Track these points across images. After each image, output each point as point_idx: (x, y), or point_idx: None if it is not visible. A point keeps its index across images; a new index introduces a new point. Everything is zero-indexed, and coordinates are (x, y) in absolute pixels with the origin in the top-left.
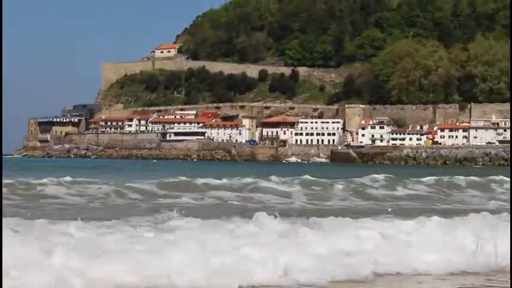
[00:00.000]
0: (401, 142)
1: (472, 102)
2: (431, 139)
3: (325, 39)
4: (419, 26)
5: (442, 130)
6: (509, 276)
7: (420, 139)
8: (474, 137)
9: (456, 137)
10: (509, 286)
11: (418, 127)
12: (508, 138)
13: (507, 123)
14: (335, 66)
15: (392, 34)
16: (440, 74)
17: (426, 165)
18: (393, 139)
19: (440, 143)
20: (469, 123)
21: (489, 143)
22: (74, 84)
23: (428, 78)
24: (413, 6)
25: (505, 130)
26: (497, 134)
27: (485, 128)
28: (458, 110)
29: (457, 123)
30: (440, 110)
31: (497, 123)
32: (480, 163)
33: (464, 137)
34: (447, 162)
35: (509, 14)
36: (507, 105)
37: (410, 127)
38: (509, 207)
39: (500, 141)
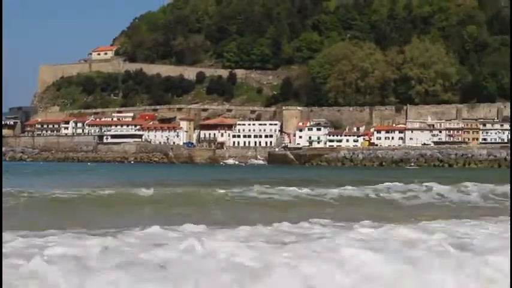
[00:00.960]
0: (338, 144)
1: (408, 104)
2: (367, 140)
3: (263, 41)
4: (356, 29)
5: (379, 132)
6: None
7: (357, 141)
8: (410, 139)
9: (392, 138)
10: None
11: (355, 129)
12: (443, 139)
13: (442, 124)
14: (273, 68)
15: (329, 37)
16: (377, 76)
17: (363, 167)
18: (330, 141)
19: (377, 145)
20: (405, 124)
21: (424, 144)
22: (9, 86)
23: (365, 80)
24: (350, 9)
25: (440, 131)
26: (432, 135)
27: (420, 129)
28: (394, 111)
29: (393, 125)
30: (377, 112)
31: (433, 125)
32: (413, 164)
33: (400, 138)
34: (383, 163)
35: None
36: (442, 107)
37: (347, 129)
38: None
39: (436, 143)
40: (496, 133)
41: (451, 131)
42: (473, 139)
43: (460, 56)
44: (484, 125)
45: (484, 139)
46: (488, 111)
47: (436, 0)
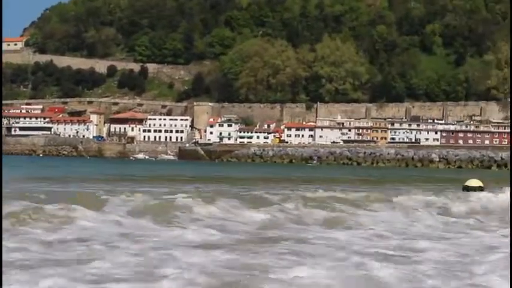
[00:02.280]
0: (248, 140)
1: (318, 102)
2: (278, 138)
3: (175, 36)
4: (269, 26)
5: (289, 129)
6: None
7: (267, 137)
8: (320, 136)
9: (302, 136)
10: None
11: (266, 126)
12: (352, 138)
13: (351, 123)
14: (184, 63)
15: (241, 33)
16: (288, 74)
17: (273, 164)
18: (241, 137)
19: (287, 142)
20: (315, 122)
21: (334, 142)
22: None
23: (277, 77)
24: (263, 6)
25: (349, 130)
26: (342, 133)
27: (330, 127)
28: (305, 109)
29: (304, 123)
30: (288, 109)
31: (342, 123)
32: (315, 162)
33: (310, 136)
34: (293, 160)
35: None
36: (352, 106)
37: (258, 125)
38: None
39: (345, 141)
40: (404, 132)
41: (360, 130)
42: (381, 138)
43: (370, 56)
44: (393, 124)
45: (393, 138)
46: (396, 111)
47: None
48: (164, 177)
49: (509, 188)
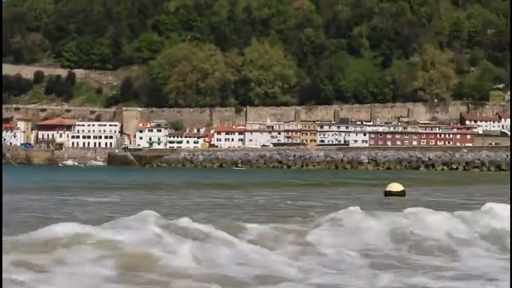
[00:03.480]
0: (178, 145)
1: (247, 106)
2: (208, 142)
3: (103, 41)
4: (197, 30)
5: (219, 133)
6: None
7: (197, 142)
8: (250, 140)
9: (232, 139)
10: None
11: (195, 130)
12: (282, 141)
13: (281, 126)
14: (112, 68)
15: (169, 37)
16: (217, 78)
17: (203, 168)
18: (170, 142)
19: (217, 146)
20: (244, 126)
21: (264, 145)
22: None
23: (205, 81)
24: (191, 10)
25: (279, 133)
26: (271, 136)
27: (260, 131)
28: (234, 113)
29: (233, 126)
30: (217, 113)
31: (272, 127)
32: (240, 165)
33: (240, 139)
34: (223, 164)
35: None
36: (281, 109)
37: (187, 130)
38: None
39: (275, 144)
40: (333, 135)
41: (290, 133)
42: (311, 141)
43: (298, 59)
44: (322, 127)
45: (322, 141)
46: (325, 114)
47: (274, 3)
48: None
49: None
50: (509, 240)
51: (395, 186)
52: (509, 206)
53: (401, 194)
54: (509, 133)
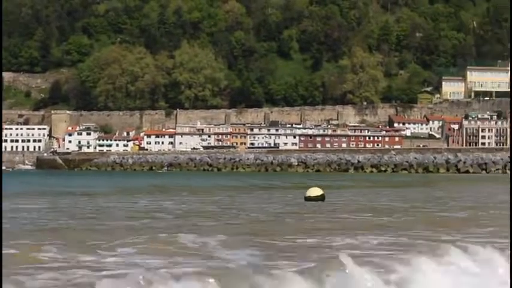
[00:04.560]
0: (108, 148)
1: (177, 109)
2: (138, 145)
3: (31, 44)
4: (126, 33)
5: (149, 136)
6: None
7: (127, 145)
8: (180, 143)
9: (162, 143)
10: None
11: (125, 133)
12: (212, 144)
13: (211, 129)
14: (41, 71)
15: (99, 40)
16: (147, 81)
17: (133, 171)
18: (100, 145)
19: (147, 149)
20: (175, 129)
21: (194, 148)
22: None
23: (135, 84)
24: (120, 12)
25: (209, 136)
26: (202, 139)
27: (190, 134)
28: (164, 116)
29: (163, 129)
30: (147, 116)
31: (202, 130)
32: (165, 169)
33: (171, 142)
34: (153, 167)
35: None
36: (211, 112)
37: (117, 133)
38: None
39: (205, 147)
40: (263, 137)
41: (220, 136)
42: (241, 143)
43: (228, 62)
44: (252, 129)
45: (252, 143)
46: (255, 116)
47: (205, 6)
48: None
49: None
50: None
51: (315, 191)
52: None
53: (321, 198)
54: (437, 135)
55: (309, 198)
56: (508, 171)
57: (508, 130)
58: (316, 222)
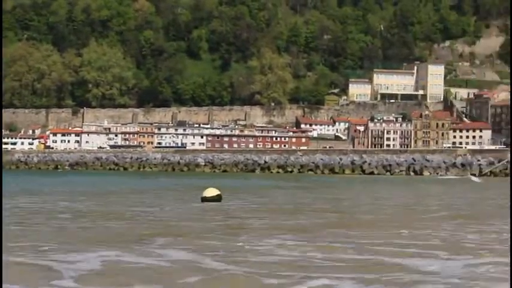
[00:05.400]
0: (12, 146)
1: (84, 107)
2: (43, 143)
3: None
4: (34, 30)
5: (55, 134)
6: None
7: (32, 143)
8: (86, 142)
9: (69, 141)
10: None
11: (30, 131)
12: (119, 143)
13: (118, 128)
14: None
15: (6, 37)
16: (54, 79)
17: (38, 170)
18: (5, 143)
19: (53, 148)
20: (81, 127)
21: (100, 147)
22: None
23: (42, 82)
24: (28, 9)
25: (116, 135)
26: (108, 138)
27: (97, 133)
28: (71, 114)
29: (70, 128)
30: (53, 115)
31: (109, 129)
32: (67, 167)
33: (77, 141)
34: (59, 166)
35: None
36: (119, 111)
37: (22, 131)
38: None
39: (112, 146)
40: (170, 137)
41: (127, 135)
42: (148, 143)
43: (137, 61)
44: (159, 129)
45: (159, 143)
46: (163, 116)
47: (114, 4)
48: None
49: None
50: None
51: (211, 192)
52: None
53: (217, 199)
54: (343, 137)
55: (205, 199)
56: (412, 173)
57: (413, 132)
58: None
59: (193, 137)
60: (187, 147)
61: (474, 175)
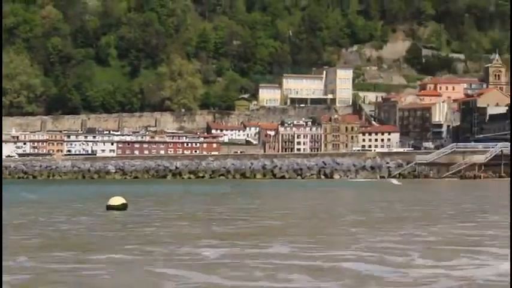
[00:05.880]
0: None
1: None
2: None
3: None
4: None
5: None
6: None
7: None
8: None
9: None
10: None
11: None
12: (28, 151)
13: (27, 136)
14: None
15: None
16: None
17: None
18: None
19: None
20: None
21: (9, 156)
22: None
23: None
24: None
25: (24, 143)
26: (17, 147)
27: (5, 141)
28: None
29: None
30: None
31: (17, 137)
32: None
33: None
34: None
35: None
36: (27, 119)
37: None
38: None
39: (20, 155)
40: (80, 145)
41: (36, 143)
42: (57, 151)
43: (44, 68)
44: (69, 136)
45: (69, 151)
46: (72, 123)
47: (20, 11)
48: None
49: None
50: None
51: (117, 200)
52: None
53: (123, 208)
54: (254, 141)
55: (110, 207)
56: (323, 176)
57: (323, 136)
58: None
59: (104, 144)
60: (97, 155)
61: (395, 177)
